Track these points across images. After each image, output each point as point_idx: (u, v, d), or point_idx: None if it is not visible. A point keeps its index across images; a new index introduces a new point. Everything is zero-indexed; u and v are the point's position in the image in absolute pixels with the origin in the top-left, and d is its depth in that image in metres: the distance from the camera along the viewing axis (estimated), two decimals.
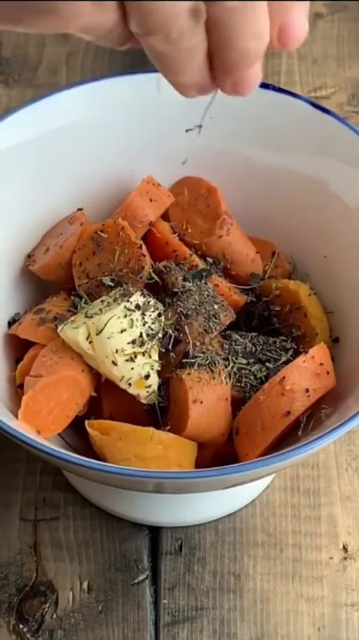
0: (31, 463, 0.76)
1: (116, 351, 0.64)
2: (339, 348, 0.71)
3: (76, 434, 0.69)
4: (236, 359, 0.68)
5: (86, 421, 0.65)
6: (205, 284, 0.70)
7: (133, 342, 0.65)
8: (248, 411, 0.65)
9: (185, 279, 0.70)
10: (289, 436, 0.65)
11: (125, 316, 0.65)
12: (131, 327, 0.65)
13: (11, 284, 0.74)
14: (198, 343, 0.67)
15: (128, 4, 0.41)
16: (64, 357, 0.66)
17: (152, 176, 0.74)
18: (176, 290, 0.69)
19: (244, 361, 0.68)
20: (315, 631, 0.69)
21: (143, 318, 0.66)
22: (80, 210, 0.75)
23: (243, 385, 0.67)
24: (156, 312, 0.67)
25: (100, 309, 0.66)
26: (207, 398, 0.65)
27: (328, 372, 0.66)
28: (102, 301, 0.67)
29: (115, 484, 0.63)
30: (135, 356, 0.65)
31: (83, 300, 0.70)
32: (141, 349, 0.65)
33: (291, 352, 0.70)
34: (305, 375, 0.65)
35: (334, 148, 0.73)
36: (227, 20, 0.41)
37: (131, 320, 0.65)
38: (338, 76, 1.06)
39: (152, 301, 0.67)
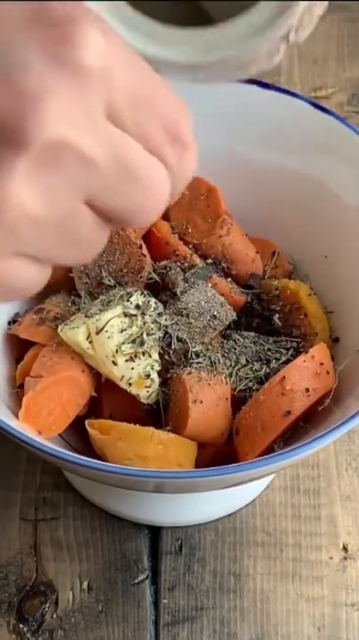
0: (31, 463, 0.76)
1: (116, 351, 0.64)
2: (338, 347, 0.71)
3: (77, 434, 0.69)
4: (236, 359, 0.68)
5: (86, 421, 0.65)
6: (205, 283, 0.70)
7: (133, 342, 0.65)
8: (248, 410, 0.65)
9: (185, 279, 0.70)
10: (289, 436, 0.65)
11: (125, 316, 0.65)
12: (131, 327, 0.65)
13: None
14: (198, 343, 0.67)
15: None
16: (64, 357, 0.66)
17: None
18: (176, 290, 0.69)
19: (244, 361, 0.68)
20: (315, 631, 0.69)
21: (143, 318, 0.66)
22: None
23: (243, 385, 0.67)
24: (156, 312, 0.67)
25: (100, 309, 0.66)
26: (207, 398, 0.65)
27: (328, 372, 0.66)
28: (102, 301, 0.67)
29: (116, 484, 0.63)
30: (135, 356, 0.65)
31: (83, 300, 0.70)
32: (141, 349, 0.65)
33: (291, 352, 0.70)
34: (305, 375, 0.65)
35: (334, 148, 0.73)
36: None
37: (131, 320, 0.65)
38: (338, 76, 1.06)
39: (152, 301, 0.67)
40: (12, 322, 0.72)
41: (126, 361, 0.64)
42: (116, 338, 0.64)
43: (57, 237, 0.38)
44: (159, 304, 0.68)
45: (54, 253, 0.39)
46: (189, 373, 0.65)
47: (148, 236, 0.73)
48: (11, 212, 0.36)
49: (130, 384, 0.65)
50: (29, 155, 0.35)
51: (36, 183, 0.36)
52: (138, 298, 0.66)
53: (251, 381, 0.68)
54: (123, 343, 0.64)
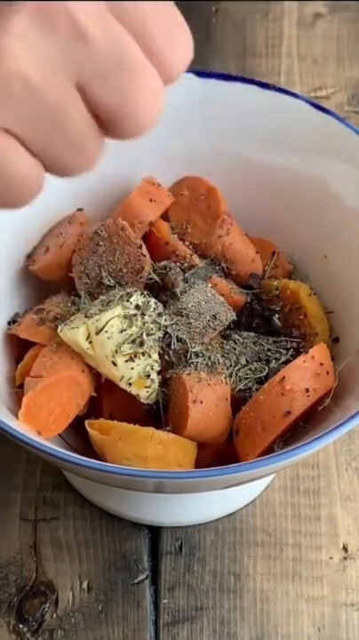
0: (31, 463, 0.76)
1: (116, 351, 0.64)
2: (338, 347, 0.71)
3: (77, 434, 0.69)
4: (236, 359, 0.68)
5: (86, 421, 0.65)
6: (205, 283, 0.70)
7: (133, 342, 0.65)
8: (248, 410, 0.65)
9: (185, 279, 0.70)
10: (289, 436, 0.65)
11: (125, 316, 0.65)
12: (131, 327, 0.65)
13: (12, 284, 0.74)
14: (198, 343, 0.67)
15: None
16: (64, 357, 0.66)
17: (152, 176, 0.74)
18: (176, 290, 0.69)
19: (244, 361, 0.68)
20: (315, 631, 0.69)
21: (143, 318, 0.66)
22: (80, 210, 0.75)
23: (243, 385, 0.67)
24: (156, 312, 0.67)
25: (100, 309, 0.66)
26: (207, 398, 0.65)
27: (328, 372, 0.66)
28: (102, 301, 0.67)
29: (115, 484, 0.63)
30: (135, 356, 0.65)
31: (83, 300, 0.70)
32: (141, 349, 0.65)
33: (291, 352, 0.70)
34: (305, 375, 0.65)
35: (334, 148, 0.73)
36: None
37: (131, 320, 0.65)
38: (338, 76, 1.06)
39: (152, 301, 0.67)
40: (12, 322, 0.72)
41: (126, 361, 0.65)
42: (116, 338, 0.64)
43: (47, 124, 0.38)
44: (159, 304, 0.68)
45: (45, 145, 0.39)
46: (189, 373, 0.65)
47: (148, 236, 0.73)
48: (7, 64, 0.37)
49: (130, 384, 0.65)
50: (27, 8, 0.36)
51: (32, 46, 0.37)
52: (138, 298, 0.66)
53: (251, 381, 0.68)
54: (122, 343, 0.64)
